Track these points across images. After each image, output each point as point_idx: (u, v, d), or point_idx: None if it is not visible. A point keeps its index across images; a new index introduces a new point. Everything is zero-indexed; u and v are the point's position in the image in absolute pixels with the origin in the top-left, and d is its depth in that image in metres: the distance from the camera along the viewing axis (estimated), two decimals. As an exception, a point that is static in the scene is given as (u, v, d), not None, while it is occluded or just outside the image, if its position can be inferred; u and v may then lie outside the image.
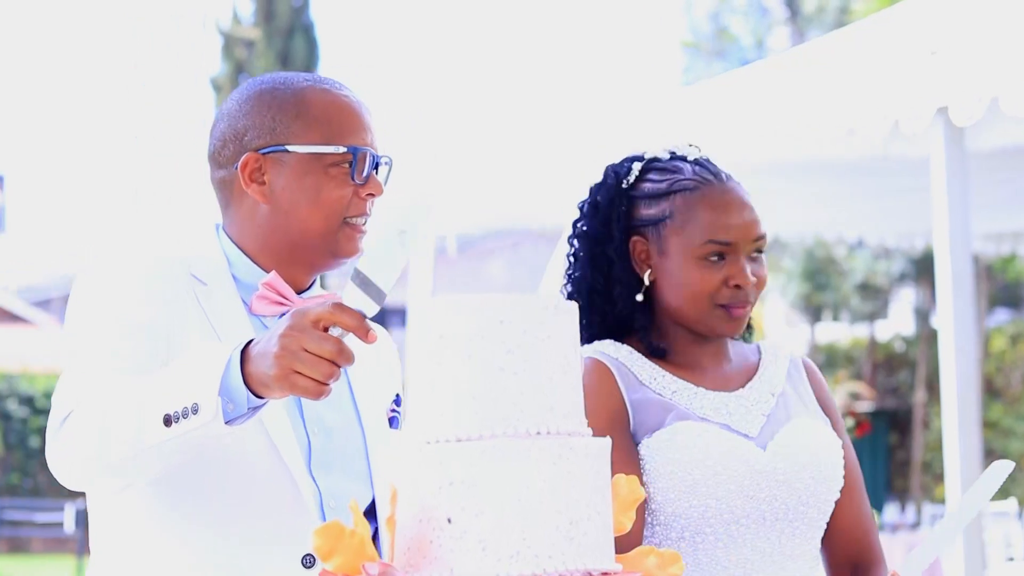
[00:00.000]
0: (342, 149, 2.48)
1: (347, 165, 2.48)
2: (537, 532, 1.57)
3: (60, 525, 20.18)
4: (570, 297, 2.65)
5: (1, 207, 35.06)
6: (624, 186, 2.65)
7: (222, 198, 2.56)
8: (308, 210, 2.47)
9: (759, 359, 2.74)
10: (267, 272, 2.49)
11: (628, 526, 1.69)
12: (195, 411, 2.13)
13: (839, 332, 24.37)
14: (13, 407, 23.08)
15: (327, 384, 2.05)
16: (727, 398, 2.63)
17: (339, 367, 2.04)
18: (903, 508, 12.52)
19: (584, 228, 2.67)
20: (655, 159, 2.67)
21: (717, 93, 7.74)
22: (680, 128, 7.53)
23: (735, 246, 2.59)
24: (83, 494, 2.49)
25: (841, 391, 20.85)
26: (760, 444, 2.59)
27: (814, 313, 23.83)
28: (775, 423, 2.64)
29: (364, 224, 2.51)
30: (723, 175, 2.66)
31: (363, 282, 2.04)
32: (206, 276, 2.48)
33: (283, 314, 2.45)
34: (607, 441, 1.66)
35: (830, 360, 23.13)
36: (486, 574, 1.55)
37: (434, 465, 1.61)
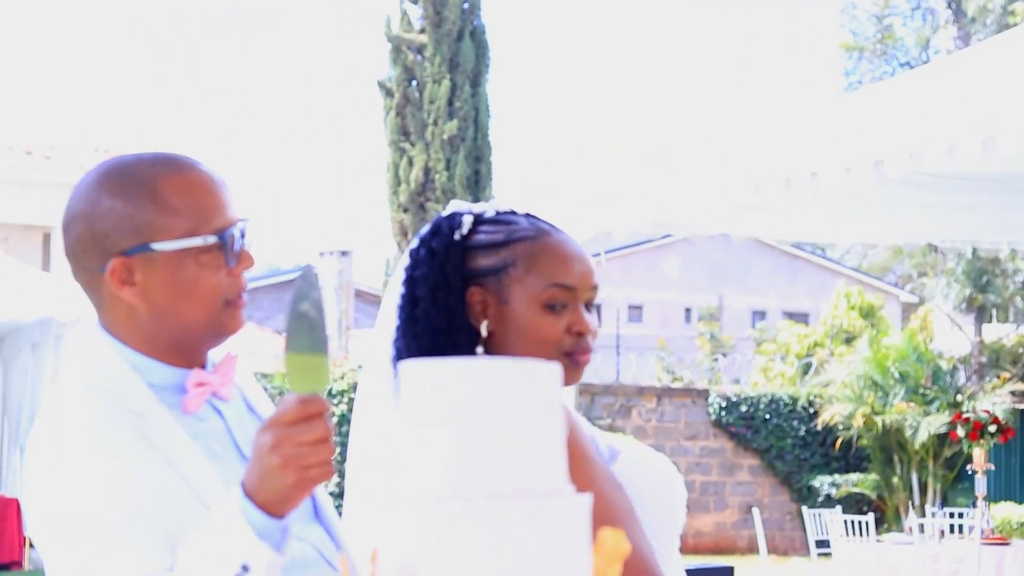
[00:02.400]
0: (212, 239, 2.40)
1: (218, 250, 2.41)
2: (513, 590, 1.56)
3: None
4: (413, 337, 2.64)
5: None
6: (457, 237, 2.64)
7: (94, 298, 2.46)
8: (188, 304, 2.40)
9: None
10: (173, 365, 2.45)
11: (614, 578, 1.67)
12: (247, 569, 2.09)
13: (1005, 332, 24.12)
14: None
15: (331, 462, 2.07)
16: None
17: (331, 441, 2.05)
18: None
19: (423, 273, 2.64)
20: (482, 214, 2.68)
21: (879, 99, 7.86)
22: (842, 134, 7.68)
23: (575, 293, 2.61)
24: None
25: (1005, 391, 20.72)
26: None
27: (980, 314, 23.63)
28: None
29: (244, 297, 2.46)
30: (556, 227, 2.69)
31: (298, 361, 2.05)
32: (138, 405, 2.39)
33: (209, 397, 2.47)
34: (587, 499, 1.66)
35: (994, 360, 22.92)
36: (463, 632, 1.53)
37: (411, 525, 1.62)
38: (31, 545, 13.82)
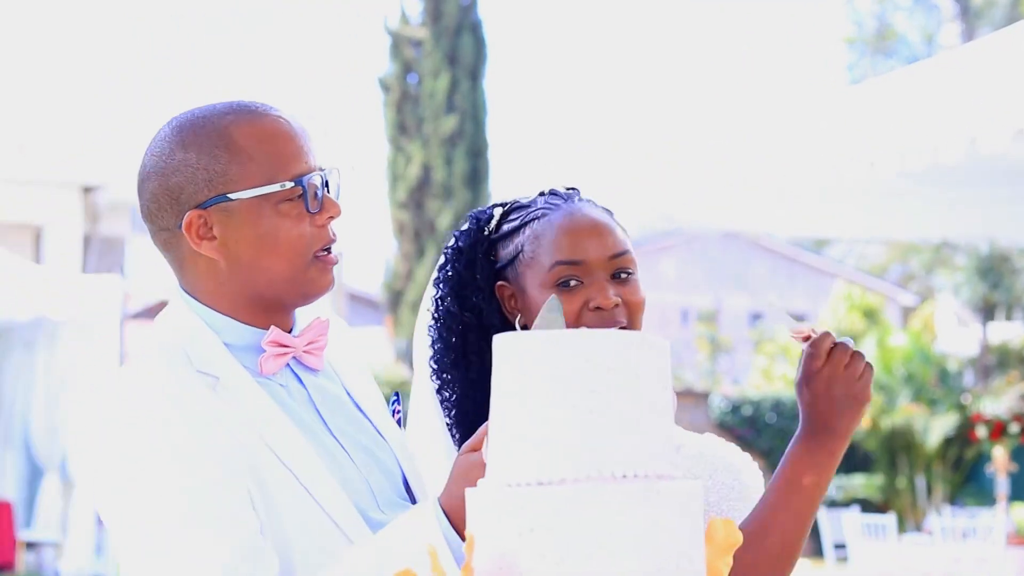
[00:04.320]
0: (289, 184, 2.27)
1: (298, 198, 2.28)
2: (622, 582, 1.45)
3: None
4: (439, 337, 2.52)
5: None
6: (485, 232, 2.51)
7: (173, 259, 2.34)
8: (271, 257, 2.27)
9: None
10: (254, 326, 2.31)
11: (725, 572, 1.60)
12: None
13: (1013, 331, 24.01)
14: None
15: None
16: None
17: None
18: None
19: (448, 272, 2.53)
20: (516, 201, 2.54)
21: (884, 93, 7.71)
22: (845, 129, 7.52)
23: (588, 266, 2.40)
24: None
25: (1013, 392, 20.55)
26: None
27: (988, 312, 23.53)
28: None
29: (332, 252, 2.33)
30: (574, 197, 2.49)
31: None
32: (211, 366, 2.26)
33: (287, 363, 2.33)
34: (698, 483, 1.57)
35: (1002, 360, 22.79)
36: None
37: (513, 510, 1.53)
38: (28, 546, 13.69)
